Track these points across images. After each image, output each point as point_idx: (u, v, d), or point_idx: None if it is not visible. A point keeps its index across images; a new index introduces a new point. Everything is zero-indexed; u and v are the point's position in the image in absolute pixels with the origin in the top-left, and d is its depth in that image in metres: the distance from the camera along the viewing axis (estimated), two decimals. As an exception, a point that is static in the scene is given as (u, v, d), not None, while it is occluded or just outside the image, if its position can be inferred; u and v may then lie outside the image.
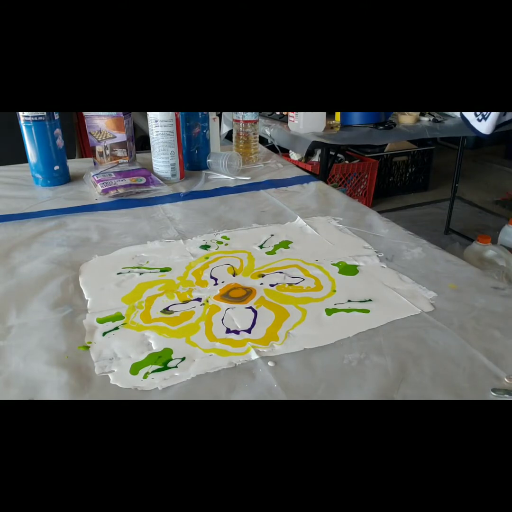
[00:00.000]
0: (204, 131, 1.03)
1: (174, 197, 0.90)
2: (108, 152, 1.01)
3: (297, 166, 1.13)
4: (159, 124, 0.93)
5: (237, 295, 0.58)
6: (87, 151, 1.76)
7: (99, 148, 1.01)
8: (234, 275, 0.63)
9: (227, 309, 0.55)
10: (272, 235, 0.75)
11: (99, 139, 1.01)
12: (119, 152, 1.02)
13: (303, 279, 0.62)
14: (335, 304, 0.56)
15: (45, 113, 0.88)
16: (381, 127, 1.52)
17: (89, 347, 0.49)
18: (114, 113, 0.98)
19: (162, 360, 0.47)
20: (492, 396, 0.43)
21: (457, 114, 1.74)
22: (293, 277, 0.62)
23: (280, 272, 0.64)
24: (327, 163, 1.59)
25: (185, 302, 0.57)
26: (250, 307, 0.56)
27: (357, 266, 0.65)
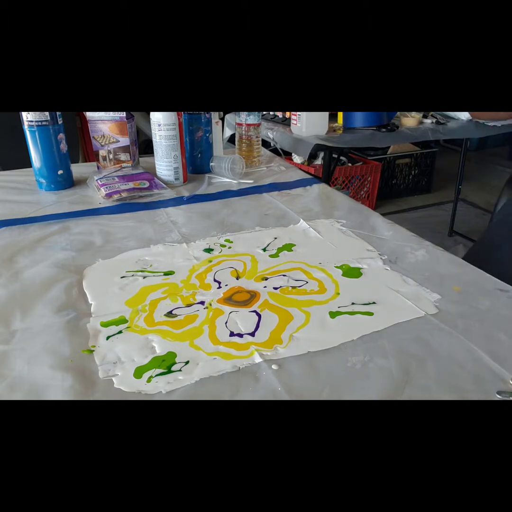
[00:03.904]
0: (207, 134, 1.03)
1: (177, 201, 0.90)
2: (111, 156, 1.02)
3: (300, 169, 1.13)
4: (162, 128, 0.93)
5: (241, 299, 0.58)
6: (90, 155, 1.77)
7: (102, 152, 1.02)
8: (237, 278, 0.63)
9: (231, 312, 0.55)
10: (275, 238, 0.75)
11: (103, 144, 1.01)
12: (123, 156, 1.02)
13: (307, 282, 0.62)
14: (338, 307, 0.56)
15: (48, 118, 0.88)
16: (383, 130, 1.52)
17: (93, 351, 0.49)
18: (117, 118, 0.98)
19: (166, 364, 0.47)
20: (497, 398, 0.42)
21: (460, 116, 1.74)
22: (296, 280, 0.62)
23: (284, 275, 0.64)
24: (330, 166, 1.58)
25: (189, 305, 0.57)
26: (254, 311, 0.56)
27: (361, 268, 0.65)
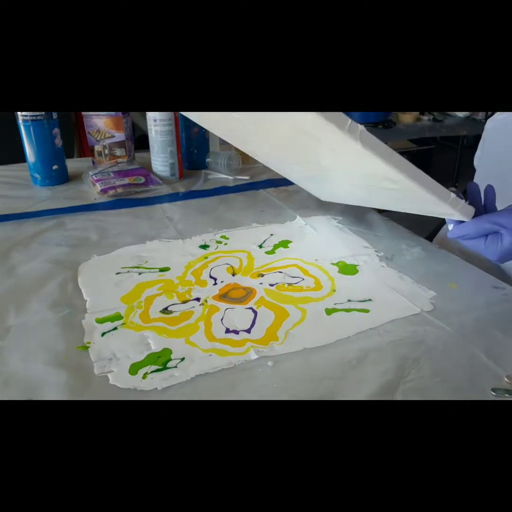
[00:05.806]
0: (203, 130, 1.02)
1: (173, 197, 0.90)
2: (107, 151, 1.01)
3: (297, 165, 1.13)
4: (158, 124, 0.92)
5: (236, 295, 0.58)
6: (85, 150, 1.75)
7: (97, 148, 1.01)
8: (233, 275, 0.63)
9: (226, 309, 0.55)
10: (271, 234, 0.75)
11: (98, 139, 1.00)
12: (118, 152, 1.01)
13: (303, 279, 0.62)
14: (335, 304, 0.56)
15: (43, 112, 0.88)
16: (380, 126, 1.52)
17: (88, 347, 0.49)
18: (113, 113, 0.97)
19: (162, 360, 0.47)
20: (492, 395, 0.42)
21: (457, 113, 1.74)
22: (292, 277, 0.62)
23: (280, 272, 0.63)
24: (326, 162, 1.58)
25: (184, 302, 0.57)
26: (250, 308, 0.56)
27: (357, 265, 0.65)
